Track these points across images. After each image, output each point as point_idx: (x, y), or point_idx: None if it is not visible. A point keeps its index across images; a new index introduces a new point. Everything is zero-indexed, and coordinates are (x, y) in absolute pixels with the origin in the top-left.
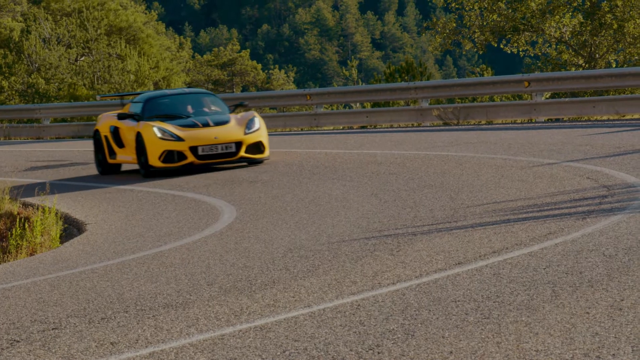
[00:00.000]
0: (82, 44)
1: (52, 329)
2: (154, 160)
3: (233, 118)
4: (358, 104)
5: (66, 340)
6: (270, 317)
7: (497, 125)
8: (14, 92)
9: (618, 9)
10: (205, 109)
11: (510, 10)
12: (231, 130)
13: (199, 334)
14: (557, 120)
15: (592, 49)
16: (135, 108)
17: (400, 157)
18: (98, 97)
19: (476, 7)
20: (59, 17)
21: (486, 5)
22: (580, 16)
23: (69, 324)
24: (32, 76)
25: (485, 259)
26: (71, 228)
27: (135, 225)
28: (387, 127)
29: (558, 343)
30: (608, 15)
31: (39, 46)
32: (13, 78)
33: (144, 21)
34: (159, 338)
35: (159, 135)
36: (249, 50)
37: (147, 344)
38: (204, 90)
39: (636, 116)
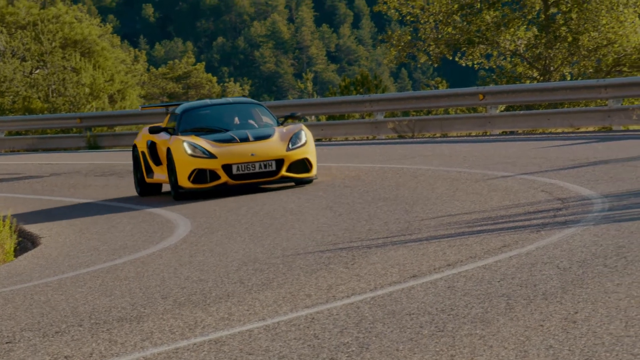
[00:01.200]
0: (36, 57)
1: (6, 342)
2: (183, 180)
3: (277, 132)
4: (313, 117)
5: (20, 354)
6: (225, 331)
7: (452, 138)
8: None
9: (572, 21)
10: (251, 121)
11: (465, 23)
12: (272, 145)
13: (154, 347)
14: (512, 133)
15: (547, 61)
16: (173, 120)
17: (355, 170)
18: (140, 108)
19: (431, 20)
20: (13, 29)
21: (441, 18)
22: (535, 29)
23: (23, 337)
24: None
25: (440, 272)
26: (25, 241)
27: (90, 238)
28: (343, 140)
29: (512, 356)
30: (563, 28)
31: None
32: None
33: (99, 34)
34: (113, 352)
35: (189, 151)
36: (204, 63)
37: (102, 357)
38: (250, 100)
39: (590, 129)
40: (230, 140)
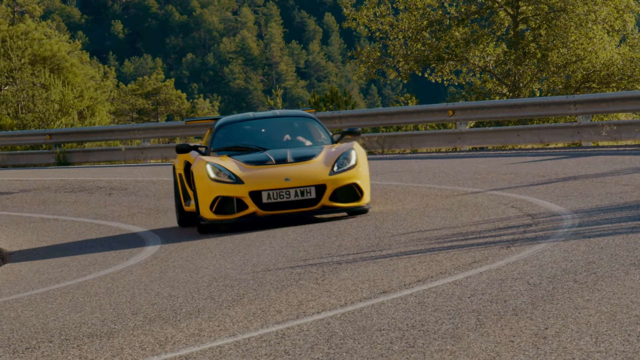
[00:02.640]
0: (5, 74)
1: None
2: (205, 210)
3: (324, 152)
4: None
5: None
6: (195, 347)
7: (421, 154)
8: None
9: (542, 38)
10: (300, 138)
11: (434, 40)
12: (312, 168)
13: None
14: (482, 149)
15: (516, 78)
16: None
17: None
18: (185, 122)
19: (400, 37)
20: None
21: (410, 35)
22: (504, 45)
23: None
24: None
25: (410, 287)
26: None
27: (60, 254)
28: None
29: None
30: (532, 45)
31: None
32: None
33: (68, 50)
34: None
35: (212, 175)
36: (173, 79)
37: None
38: (301, 112)
39: (560, 145)
40: (264, 162)
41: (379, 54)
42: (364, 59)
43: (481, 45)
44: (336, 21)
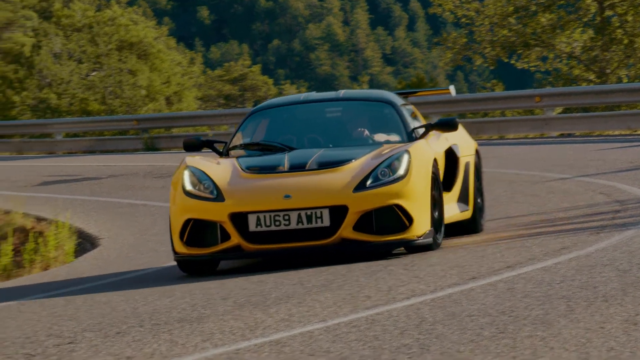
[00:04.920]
0: (93, 59)
1: (68, 343)
2: (176, 241)
3: (369, 155)
4: None
5: (82, 355)
6: (285, 332)
7: (509, 140)
8: (25, 107)
9: (628, 24)
10: (362, 132)
11: (520, 26)
12: (329, 181)
13: (214, 348)
14: (569, 135)
15: (603, 64)
16: None
17: None
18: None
19: (486, 23)
20: (69, 32)
21: (496, 21)
22: (590, 31)
23: (84, 338)
24: (44, 91)
25: (499, 273)
26: (85, 243)
27: (149, 240)
28: None
29: (573, 357)
30: (618, 31)
31: (50, 61)
32: (25, 93)
33: (154, 36)
34: (174, 352)
35: (187, 186)
36: (260, 65)
37: (163, 358)
38: (375, 93)
39: None
40: (272, 168)
41: (465, 40)
42: (450, 45)
43: (567, 32)
44: (422, 7)
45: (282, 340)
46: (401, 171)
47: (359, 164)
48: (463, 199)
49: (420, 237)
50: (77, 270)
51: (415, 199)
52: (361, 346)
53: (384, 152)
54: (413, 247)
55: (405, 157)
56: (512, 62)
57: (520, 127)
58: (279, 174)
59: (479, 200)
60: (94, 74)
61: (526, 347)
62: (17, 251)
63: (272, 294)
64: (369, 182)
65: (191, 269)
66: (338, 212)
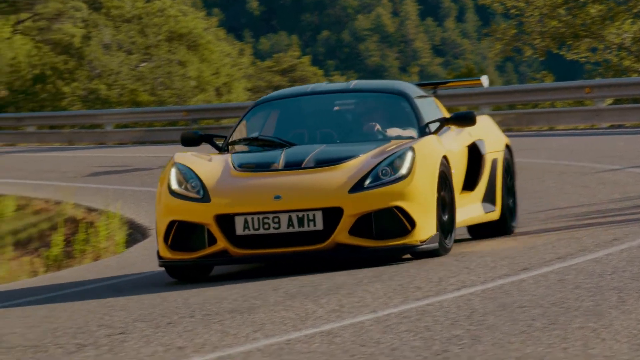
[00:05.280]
0: (142, 50)
1: (119, 333)
2: (160, 244)
3: (372, 152)
4: None
5: (133, 345)
6: (336, 322)
7: (559, 131)
8: (76, 98)
9: None
10: (373, 127)
11: (570, 17)
12: (324, 180)
13: (265, 338)
14: (620, 126)
15: None
16: None
17: None
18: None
19: (536, 14)
20: (119, 23)
21: (546, 12)
22: None
23: (135, 328)
24: (94, 82)
25: (550, 264)
26: (135, 233)
27: None
28: None
29: (625, 349)
30: None
31: (100, 52)
32: (75, 84)
33: (204, 27)
34: (225, 343)
35: (173, 185)
36: (310, 56)
37: (214, 348)
38: (387, 84)
39: None
40: (266, 165)
41: (514, 31)
42: (499, 36)
43: (617, 23)
44: None
45: (333, 331)
46: (403, 170)
47: (358, 162)
48: (489, 198)
49: (424, 242)
50: (128, 260)
51: (419, 201)
52: (412, 337)
53: (388, 149)
54: (417, 253)
55: (409, 155)
56: (562, 53)
57: (570, 118)
58: (271, 172)
59: (509, 201)
60: (143, 65)
61: (577, 339)
62: (67, 241)
63: (322, 284)
64: (367, 182)
65: (178, 274)
66: (332, 215)
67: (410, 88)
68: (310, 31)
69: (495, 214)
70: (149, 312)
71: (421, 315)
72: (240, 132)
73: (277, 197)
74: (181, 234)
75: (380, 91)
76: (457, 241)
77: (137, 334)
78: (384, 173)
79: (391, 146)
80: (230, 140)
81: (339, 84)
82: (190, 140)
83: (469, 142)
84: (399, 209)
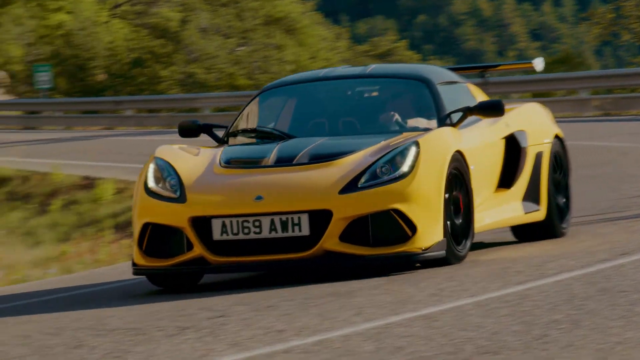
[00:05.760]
0: (239, 34)
1: (219, 316)
2: (135, 249)
3: (372, 147)
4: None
5: (233, 328)
6: (436, 306)
7: None
8: (173, 82)
9: None
10: (392, 116)
11: None
12: (313, 180)
13: (365, 322)
14: None
15: None
16: None
17: None
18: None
19: None
20: (216, 7)
21: None
22: None
23: (235, 312)
24: (191, 66)
25: None
26: None
27: None
28: None
29: None
30: None
31: (197, 36)
32: (172, 68)
33: (301, 11)
34: (324, 326)
35: (150, 183)
36: (407, 40)
37: (314, 332)
38: (408, 69)
39: None
40: (255, 161)
41: (612, 15)
42: (597, 20)
43: None
44: None
45: (432, 315)
46: (404, 167)
47: (356, 158)
48: (531, 196)
49: (426, 249)
50: None
51: (421, 202)
52: (512, 321)
53: (392, 143)
54: (413, 261)
55: (412, 151)
56: None
57: None
58: (258, 169)
59: (560, 200)
60: (240, 49)
61: None
62: None
63: (422, 268)
64: (361, 182)
65: (158, 283)
66: (320, 218)
67: (435, 73)
68: (407, 15)
69: (539, 214)
70: (248, 296)
71: (521, 299)
72: (242, 122)
73: (259, 198)
74: (156, 239)
75: (399, 76)
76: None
77: (236, 317)
78: (383, 171)
79: (398, 140)
80: (229, 131)
81: (355, 68)
82: (188, 131)
83: (505, 134)
84: (397, 211)
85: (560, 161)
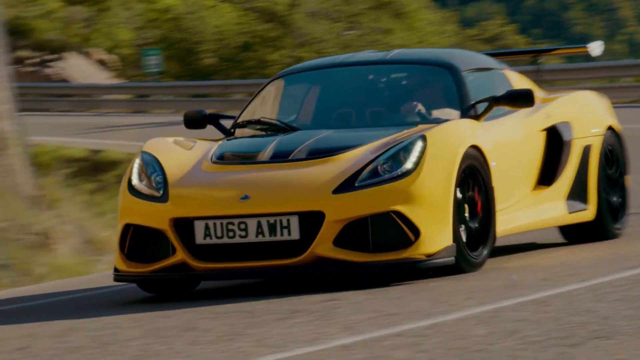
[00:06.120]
0: (347, 19)
1: (330, 300)
2: (117, 253)
3: (377, 141)
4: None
5: (345, 311)
6: (546, 291)
7: None
8: (282, 66)
9: None
10: (419, 107)
11: None
12: (306, 178)
13: (478, 306)
14: None
15: None
16: None
17: None
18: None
19: None
20: None
21: None
22: None
23: (346, 296)
24: (299, 50)
25: None
26: None
27: None
28: None
29: None
30: None
31: (305, 20)
32: (281, 51)
33: None
34: (437, 310)
35: (134, 180)
36: (518, 24)
37: (427, 315)
38: (435, 55)
39: None
40: (250, 156)
41: None
42: None
43: None
44: None
45: (543, 299)
46: (408, 164)
47: (356, 153)
48: (578, 195)
49: (431, 255)
50: None
51: (426, 204)
52: (622, 306)
53: (399, 137)
54: (413, 268)
55: (418, 145)
56: None
57: None
58: (249, 165)
59: (613, 197)
60: (349, 32)
61: None
62: None
63: (530, 251)
64: (359, 180)
65: (144, 288)
66: (311, 221)
67: (462, 58)
68: None
69: (587, 214)
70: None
71: (633, 284)
72: (250, 112)
73: (245, 198)
74: (138, 241)
75: (421, 62)
76: None
77: (348, 300)
78: (385, 168)
79: (405, 134)
80: (237, 122)
81: (376, 53)
82: (194, 121)
83: (545, 126)
84: (398, 213)
85: (615, 155)
